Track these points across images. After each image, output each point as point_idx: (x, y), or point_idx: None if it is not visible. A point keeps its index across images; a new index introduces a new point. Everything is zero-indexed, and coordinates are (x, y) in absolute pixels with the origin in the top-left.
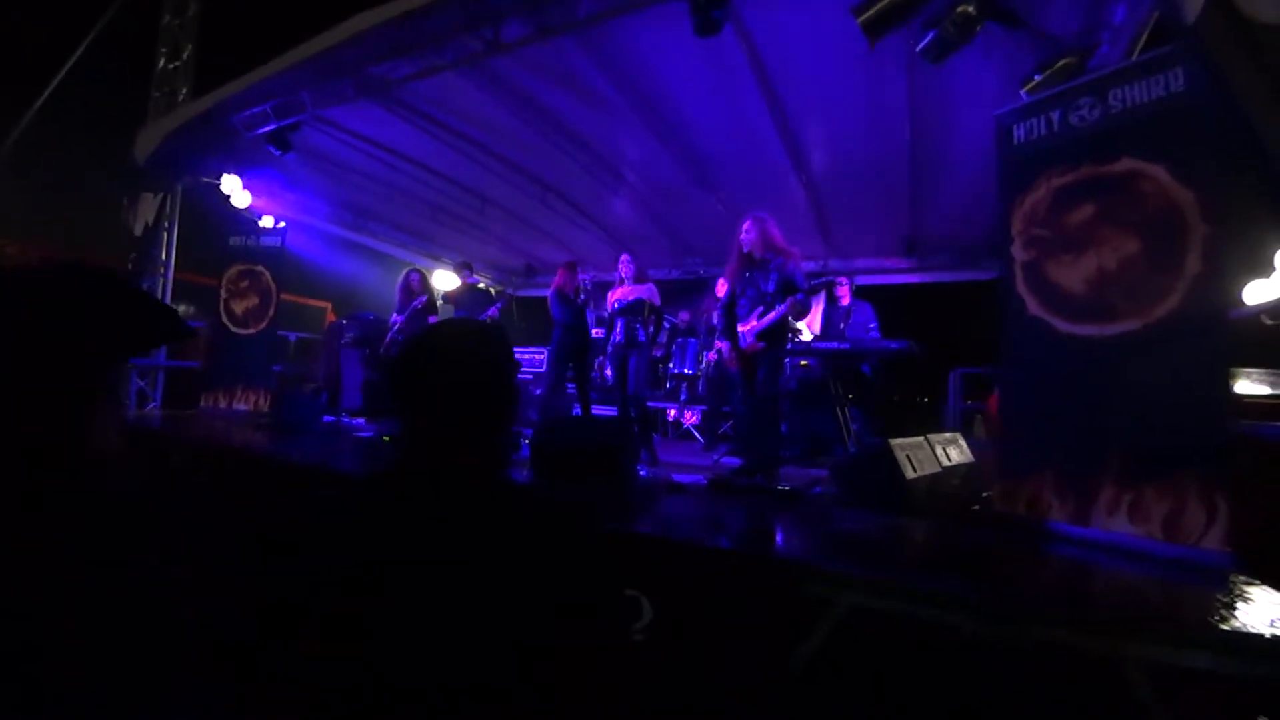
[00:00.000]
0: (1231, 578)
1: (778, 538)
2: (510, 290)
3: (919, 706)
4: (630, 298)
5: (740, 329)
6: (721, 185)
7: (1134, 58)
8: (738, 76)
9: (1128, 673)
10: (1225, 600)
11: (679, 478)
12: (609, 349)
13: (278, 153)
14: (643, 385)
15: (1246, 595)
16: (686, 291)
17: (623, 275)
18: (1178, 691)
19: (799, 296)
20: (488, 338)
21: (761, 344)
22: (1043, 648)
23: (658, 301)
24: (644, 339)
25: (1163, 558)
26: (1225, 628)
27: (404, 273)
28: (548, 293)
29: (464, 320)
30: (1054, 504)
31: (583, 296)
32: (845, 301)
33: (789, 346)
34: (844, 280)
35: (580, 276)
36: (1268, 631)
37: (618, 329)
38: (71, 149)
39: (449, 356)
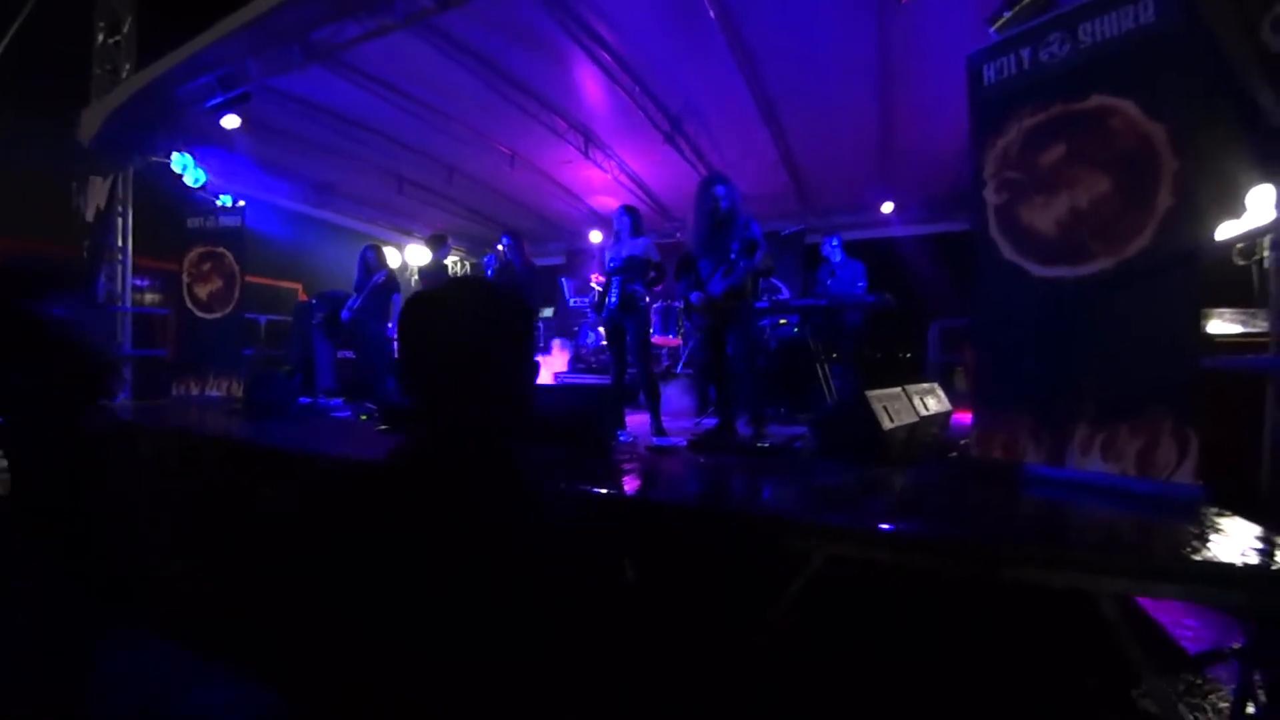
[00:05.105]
0: (1203, 510)
1: (759, 493)
2: (482, 261)
3: (897, 650)
4: (624, 255)
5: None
6: (693, 141)
7: None
8: (704, 24)
9: (1100, 607)
10: (1197, 532)
11: (660, 441)
12: (604, 313)
13: (229, 127)
14: (646, 352)
15: (1217, 526)
16: (663, 256)
17: (616, 229)
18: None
19: (761, 252)
20: (489, 300)
21: (729, 303)
22: (1017, 586)
23: (656, 257)
24: (644, 303)
25: (1137, 494)
26: (1197, 559)
27: (361, 248)
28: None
29: (462, 282)
30: (1030, 447)
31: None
32: (835, 259)
33: (764, 305)
34: (828, 238)
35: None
36: (1238, 561)
37: (613, 291)
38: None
39: (447, 328)
